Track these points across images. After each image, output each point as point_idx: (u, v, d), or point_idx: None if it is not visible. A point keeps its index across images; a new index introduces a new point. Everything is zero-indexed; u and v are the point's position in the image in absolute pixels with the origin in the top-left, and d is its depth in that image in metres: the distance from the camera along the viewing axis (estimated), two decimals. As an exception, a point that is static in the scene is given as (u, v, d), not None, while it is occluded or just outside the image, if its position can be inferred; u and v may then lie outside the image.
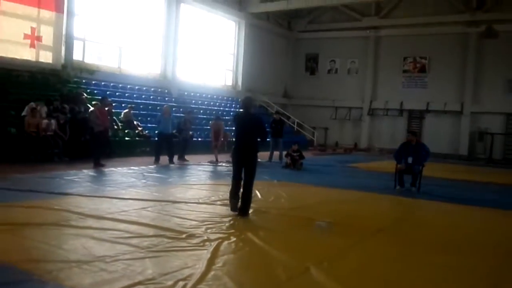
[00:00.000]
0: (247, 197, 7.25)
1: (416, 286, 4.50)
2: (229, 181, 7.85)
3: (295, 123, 27.99)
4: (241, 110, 8.07)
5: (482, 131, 25.07)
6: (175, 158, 14.37)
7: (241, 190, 7.29)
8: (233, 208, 7.23)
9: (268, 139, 12.91)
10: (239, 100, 25.43)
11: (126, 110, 16.35)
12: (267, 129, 10.70)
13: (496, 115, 24.90)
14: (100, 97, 15.07)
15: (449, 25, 25.60)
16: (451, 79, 25.97)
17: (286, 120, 27.52)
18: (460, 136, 25.80)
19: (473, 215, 8.77)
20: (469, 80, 25.48)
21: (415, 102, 26.74)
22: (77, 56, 17.93)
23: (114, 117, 15.22)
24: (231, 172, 7.58)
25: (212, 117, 19.70)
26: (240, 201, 7.22)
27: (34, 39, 15.98)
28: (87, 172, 10.91)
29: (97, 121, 12.22)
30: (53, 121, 13.05)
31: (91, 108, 14.41)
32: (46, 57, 16.48)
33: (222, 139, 15.48)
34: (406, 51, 27.22)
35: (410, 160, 10.97)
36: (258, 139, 7.53)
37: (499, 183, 13.74)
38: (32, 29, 15.90)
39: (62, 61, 16.88)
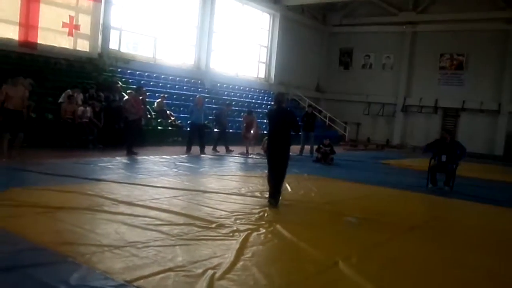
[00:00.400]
0: (278, 188, 7.48)
1: (446, 286, 4.41)
2: (259, 173, 8.14)
3: (327, 118, 27.79)
4: (274, 105, 8.19)
5: (520, 131, 24.40)
6: (209, 148, 14.46)
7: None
8: (273, 200, 7.38)
9: (300, 133, 12.87)
10: (272, 93, 25.49)
11: (159, 100, 16.54)
12: (299, 123, 10.81)
13: (534, 115, 24.18)
14: (135, 86, 15.33)
15: (489, 22, 24.87)
16: (488, 77, 25.30)
17: (318, 114, 27.41)
18: (496, 135, 25.16)
19: (507, 217, 8.56)
20: (508, 78, 24.76)
21: (450, 100, 26.18)
22: (113, 45, 18.21)
23: (148, 106, 15.41)
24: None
25: (244, 109, 19.79)
26: (270, 194, 7.46)
27: (72, 27, 16.31)
28: (120, 160, 11.10)
29: (132, 109, 12.40)
30: (88, 109, 13.30)
31: (126, 97, 14.66)
32: (83, 46, 16.81)
33: (253, 132, 15.49)
34: (443, 47, 26.63)
35: (443, 158, 10.77)
36: (292, 132, 7.65)
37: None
38: (71, 17, 16.23)
39: (99, 49, 17.19)
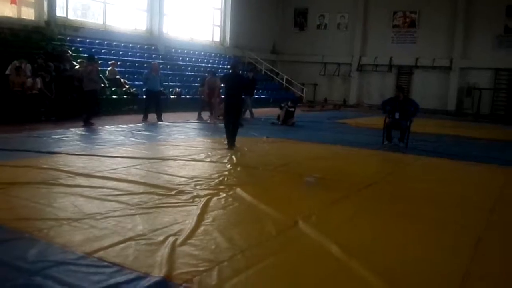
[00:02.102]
0: (235, 133, 9.63)
1: (403, 239, 4.58)
2: (216, 138, 10.13)
3: (284, 80, 27.80)
4: (230, 69, 10.26)
5: (470, 87, 25.10)
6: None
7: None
8: (229, 143, 9.48)
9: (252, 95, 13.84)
10: (228, 56, 25.24)
11: (110, 67, 16.02)
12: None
13: (484, 70, 24.87)
14: (86, 55, 14.85)
15: (440, -22, 25.23)
16: (440, 34, 25.74)
17: (275, 77, 27.39)
18: (448, 91, 25.83)
19: (461, 170, 8.88)
20: (459, 35, 25.29)
21: (404, 57, 26.58)
22: (60, 12, 17.47)
23: (101, 75, 14.99)
24: (220, 129, 8.07)
25: (200, 74, 19.55)
26: (229, 137, 9.50)
27: (16, -5, 15.54)
28: (75, 131, 10.82)
29: (94, 77, 12.25)
30: (38, 80, 12.81)
31: (77, 66, 14.22)
32: (28, 14, 16.10)
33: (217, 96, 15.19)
34: (396, 5, 26.84)
35: (397, 115, 11.00)
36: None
37: (486, 138, 13.86)
38: (13, -16, 15.44)
39: (45, 17, 16.49)
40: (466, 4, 24.96)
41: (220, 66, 23.51)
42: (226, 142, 9.59)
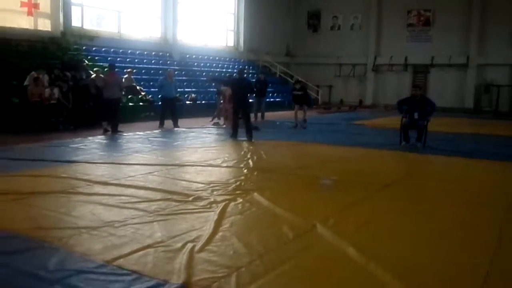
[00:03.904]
0: (250, 128, 11.47)
1: (422, 239, 4.53)
2: (233, 143, 10.79)
3: (307, 89, 27.67)
4: (237, 75, 12.30)
5: (488, 84, 24.77)
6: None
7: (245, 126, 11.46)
8: (233, 135, 11.49)
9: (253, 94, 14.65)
10: (242, 60, 25.32)
11: (127, 75, 16.14)
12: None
13: (502, 67, 24.55)
14: (102, 64, 15.02)
15: (454, -25, 25.00)
16: (456, 31, 25.46)
17: (290, 79, 27.40)
18: (465, 89, 25.54)
19: (479, 168, 8.76)
20: (474, 32, 25.00)
21: (419, 56, 26.35)
22: (75, 22, 17.71)
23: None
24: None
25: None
26: (245, 133, 11.38)
27: (31, 6, 15.80)
28: (93, 139, 10.94)
29: (120, 85, 12.67)
30: (56, 90, 13.00)
31: (93, 75, 14.38)
32: (44, 25, 16.32)
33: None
34: (410, 3, 26.64)
35: (416, 115, 10.90)
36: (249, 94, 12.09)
37: (506, 136, 13.67)
38: (29, -4, 15.68)
39: (61, 28, 16.72)
40: (481, 0, 24.67)
41: (235, 70, 23.53)
42: (231, 135, 11.54)
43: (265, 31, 27.25)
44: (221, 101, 15.32)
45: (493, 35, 24.58)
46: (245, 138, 11.25)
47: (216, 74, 21.21)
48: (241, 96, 11.53)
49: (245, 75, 11.98)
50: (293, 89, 15.43)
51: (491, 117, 21.86)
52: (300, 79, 15.82)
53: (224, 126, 14.43)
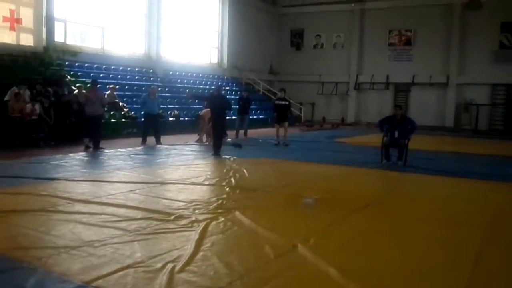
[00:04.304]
0: (219, 143, 11.99)
1: (403, 259, 4.57)
2: (216, 161, 10.68)
3: (289, 102, 27.85)
4: (215, 92, 12.66)
5: (467, 103, 25.22)
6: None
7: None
8: (216, 152, 11.72)
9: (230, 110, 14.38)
10: (226, 78, 25.44)
11: (109, 91, 16.11)
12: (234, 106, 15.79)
13: (481, 86, 25.06)
14: (84, 79, 14.97)
15: (434, -3, 25.57)
16: (436, 51, 26.01)
17: (272, 97, 27.53)
18: (446, 107, 26.00)
19: (459, 187, 8.86)
20: (454, 51, 25.56)
21: (401, 75, 26.79)
22: (58, 37, 17.66)
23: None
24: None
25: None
26: (213, 146, 11.96)
27: (14, 21, 15.75)
28: (74, 156, 10.85)
29: (104, 101, 12.71)
30: (37, 105, 12.91)
31: (76, 91, 14.32)
32: (27, 40, 16.27)
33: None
34: (391, 23, 27.17)
35: (396, 134, 11.05)
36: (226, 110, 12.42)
37: (485, 154, 13.89)
38: (11, 11, 15.67)
39: (44, 43, 16.67)
40: (460, 21, 25.28)
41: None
42: (213, 152, 11.77)
43: (249, 49, 27.46)
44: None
45: (472, 55, 25.14)
46: (215, 153, 11.71)
47: (200, 91, 21.24)
48: (219, 113, 11.97)
49: (222, 92, 12.68)
50: (277, 99, 15.47)
51: (471, 135, 22.21)
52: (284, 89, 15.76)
53: (207, 143, 14.42)
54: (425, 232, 5.53)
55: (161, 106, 16.32)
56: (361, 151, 13.94)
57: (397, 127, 11.09)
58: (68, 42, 18.24)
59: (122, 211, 5.89)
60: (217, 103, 12.03)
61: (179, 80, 22.38)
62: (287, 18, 30.31)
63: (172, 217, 5.65)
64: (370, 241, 5.15)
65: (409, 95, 27.16)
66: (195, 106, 19.06)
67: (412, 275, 4.14)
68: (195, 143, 14.46)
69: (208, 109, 15.11)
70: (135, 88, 18.75)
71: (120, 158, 10.84)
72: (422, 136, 17.06)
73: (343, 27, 28.65)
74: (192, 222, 5.49)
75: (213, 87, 23.00)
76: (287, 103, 15.21)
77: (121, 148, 12.36)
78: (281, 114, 14.88)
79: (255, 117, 22.58)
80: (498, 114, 25.10)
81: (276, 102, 15.46)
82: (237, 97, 19.13)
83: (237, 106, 16.99)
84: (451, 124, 25.59)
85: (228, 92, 23.02)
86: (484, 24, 24.54)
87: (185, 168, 9.70)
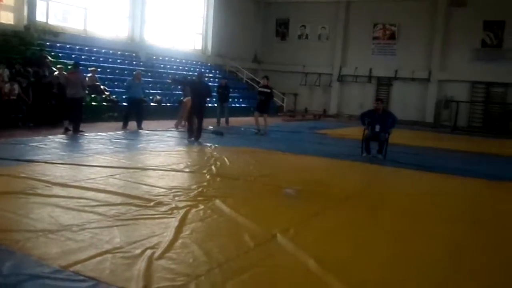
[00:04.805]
0: (200, 130, 12.15)
1: (381, 251, 4.62)
2: (197, 148, 10.66)
3: (272, 90, 27.83)
4: (197, 79, 12.83)
5: (448, 99, 25.52)
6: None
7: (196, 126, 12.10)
8: (190, 137, 12.09)
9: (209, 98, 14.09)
10: (209, 65, 25.31)
11: (90, 74, 15.87)
12: (214, 93, 16.01)
13: (461, 83, 25.36)
14: (65, 61, 14.74)
15: (419, -8, 25.72)
16: (419, 46, 26.22)
17: (256, 86, 27.49)
18: (426, 103, 26.26)
19: (437, 182, 9.00)
20: (437, 48, 25.79)
21: (384, 69, 26.97)
22: (40, 17, 17.32)
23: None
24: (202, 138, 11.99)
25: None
26: (195, 133, 12.03)
27: (-6, -2, 15.38)
28: (53, 138, 10.70)
29: (82, 84, 12.26)
30: (16, 85, 12.67)
31: (56, 72, 14.10)
32: (7, 18, 15.93)
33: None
34: (376, 17, 27.26)
35: (377, 128, 11.14)
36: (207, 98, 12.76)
37: (463, 151, 14.09)
38: (-8, -12, 15.28)
39: (25, 22, 16.34)
40: (445, 18, 25.47)
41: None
42: (188, 137, 12.16)
43: (233, 37, 27.32)
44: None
45: (454, 52, 25.39)
46: (195, 139, 11.92)
47: (182, 76, 21.09)
48: (199, 99, 12.10)
49: (205, 79, 12.95)
50: (260, 86, 15.47)
51: (450, 131, 22.50)
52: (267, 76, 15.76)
53: (183, 129, 14.37)
54: (403, 226, 5.61)
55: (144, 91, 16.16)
56: (342, 143, 14.03)
57: (379, 121, 11.18)
58: (50, 22, 17.91)
59: (101, 195, 5.84)
60: (199, 90, 12.15)
61: (162, 65, 22.19)
62: (273, 7, 30.20)
63: (151, 204, 5.62)
64: (349, 233, 5.21)
65: (391, 89, 27.38)
66: (177, 92, 18.91)
67: (390, 269, 4.20)
68: (173, 129, 14.38)
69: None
70: (117, 71, 18.54)
71: (100, 142, 10.73)
72: (403, 131, 17.24)
73: (329, 19, 28.66)
74: (172, 209, 5.47)
75: (196, 74, 23.02)
76: (269, 91, 15.18)
77: (101, 132, 12.25)
78: (262, 103, 14.90)
79: (237, 105, 22.55)
80: (477, 111, 25.45)
81: (260, 89, 15.45)
82: (216, 85, 19.06)
83: (216, 94, 16.98)
84: (431, 120, 25.86)
85: (212, 79, 22.91)
86: (468, 22, 24.78)
87: (166, 154, 9.66)
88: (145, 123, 14.15)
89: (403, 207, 6.61)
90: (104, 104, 15.90)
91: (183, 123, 14.65)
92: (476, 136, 20.26)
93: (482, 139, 19.11)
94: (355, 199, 6.92)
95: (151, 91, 18.64)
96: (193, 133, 12.07)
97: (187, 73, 22.52)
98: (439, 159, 12.10)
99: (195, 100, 12.17)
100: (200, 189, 6.58)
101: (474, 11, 24.31)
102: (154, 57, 22.25)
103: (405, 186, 8.48)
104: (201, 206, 5.66)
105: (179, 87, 17.46)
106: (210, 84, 15.55)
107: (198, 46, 26.39)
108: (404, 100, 26.25)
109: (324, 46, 28.89)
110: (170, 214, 5.28)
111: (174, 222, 4.96)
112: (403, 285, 3.87)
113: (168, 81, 17.90)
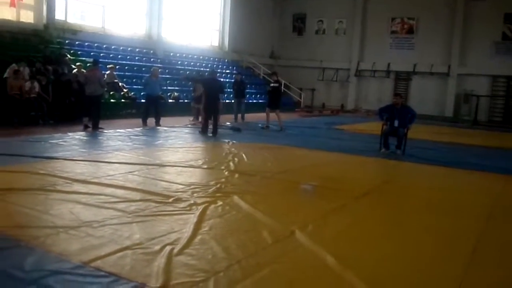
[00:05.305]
0: (216, 126, 12.43)
1: (400, 248, 4.59)
2: (214, 144, 10.65)
3: (282, 84, 27.78)
4: (209, 75, 13.36)
5: (467, 93, 25.17)
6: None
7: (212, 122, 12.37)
8: (204, 133, 12.23)
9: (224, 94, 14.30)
10: (226, 61, 25.32)
11: (108, 71, 15.98)
12: (229, 90, 17.38)
13: (482, 77, 25.00)
14: (84, 58, 14.87)
15: (438, -15, 25.37)
16: (438, 41, 25.89)
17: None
18: (446, 97, 25.95)
19: (456, 178, 8.89)
20: (456, 42, 25.43)
21: (402, 63, 26.68)
22: (59, 15, 17.48)
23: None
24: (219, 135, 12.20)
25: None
26: (212, 129, 12.31)
27: (14, -3, 15.56)
28: (73, 135, 10.82)
29: (101, 82, 12.37)
30: (36, 83, 12.83)
31: (75, 70, 14.23)
32: (27, 17, 16.10)
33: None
34: (394, 11, 26.98)
35: (396, 123, 11.02)
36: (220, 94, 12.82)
37: (483, 146, 13.89)
38: (12, -13, 15.45)
39: (44, 21, 16.50)
40: (464, 11, 25.10)
41: (219, 70, 23.50)
42: (200, 130, 12.50)
43: (250, 32, 27.27)
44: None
45: (474, 46, 25.03)
46: (212, 135, 12.15)
47: (194, 72, 21.12)
48: (213, 96, 12.26)
49: (217, 76, 13.34)
50: (273, 82, 15.47)
51: (470, 126, 22.19)
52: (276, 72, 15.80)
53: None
54: (422, 222, 5.56)
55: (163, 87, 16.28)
56: (360, 138, 13.93)
57: (397, 116, 11.06)
58: (68, 20, 18.08)
59: (120, 192, 5.89)
60: (211, 87, 12.35)
61: (179, 62, 22.24)
62: (289, 2, 30.04)
63: (170, 200, 5.65)
64: (367, 229, 5.17)
65: (409, 84, 27.09)
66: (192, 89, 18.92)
67: (409, 265, 4.16)
68: (194, 126, 14.43)
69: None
70: (135, 68, 18.65)
71: (119, 138, 10.81)
72: (421, 126, 17.04)
73: (346, 13, 28.43)
74: (191, 205, 5.49)
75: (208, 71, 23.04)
76: (277, 85, 15.26)
77: (120, 129, 12.34)
78: (271, 98, 14.92)
79: (254, 101, 22.51)
80: (497, 105, 25.09)
81: (272, 85, 15.40)
82: (232, 80, 19.06)
83: (232, 90, 16.99)
84: (450, 114, 25.55)
85: (229, 76, 22.91)
86: (488, 15, 24.40)
87: (184, 151, 9.70)
88: (163, 120, 14.22)
89: (423, 203, 6.54)
90: (122, 101, 16.02)
91: (199, 119, 14.69)
92: (496, 131, 19.95)
93: (502, 133, 18.81)
94: (374, 195, 6.87)
95: (169, 87, 18.72)
96: (207, 131, 12.22)
97: (204, 69, 22.52)
98: (458, 154, 11.94)
99: (209, 97, 12.29)
100: (218, 186, 6.59)
101: (494, 4, 23.91)
102: (172, 54, 22.33)
103: (424, 181, 8.38)
104: (220, 203, 5.68)
105: (189, 83, 17.47)
106: (227, 80, 15.57)
107: (215, 42, 26.40)
108: (423, 95, 25.96)
109: (342, 41, 28.68)
110: (189, 210, 5.30)
111: (193, 218, 4.98)
112: (424, 281, 3.83)
113: (182, 80, 17.95)
